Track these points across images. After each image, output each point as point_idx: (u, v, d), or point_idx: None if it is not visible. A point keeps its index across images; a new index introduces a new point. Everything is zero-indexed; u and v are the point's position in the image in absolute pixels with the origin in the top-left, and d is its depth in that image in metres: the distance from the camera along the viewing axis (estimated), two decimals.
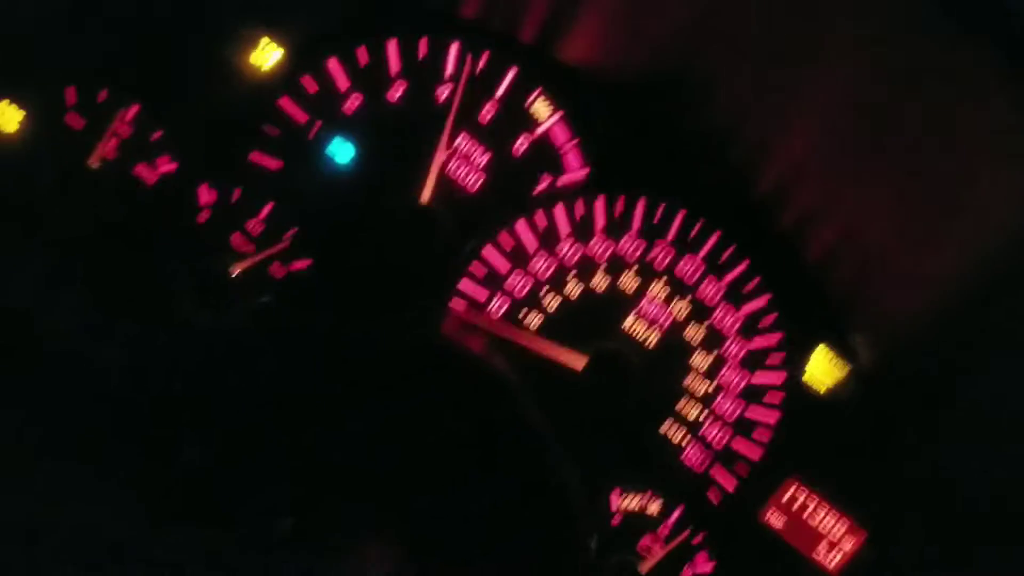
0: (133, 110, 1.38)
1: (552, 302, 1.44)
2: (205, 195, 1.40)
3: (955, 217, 1.13)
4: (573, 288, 1.44)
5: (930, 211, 1.15)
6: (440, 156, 1.40)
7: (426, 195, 1.41)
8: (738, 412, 1.46)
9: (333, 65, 1.39)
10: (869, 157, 1.17)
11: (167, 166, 1.39)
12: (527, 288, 1.44)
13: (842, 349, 1.46)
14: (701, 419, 1.46)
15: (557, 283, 1.44)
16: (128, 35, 1.36)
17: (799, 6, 1.02)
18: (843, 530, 1.48)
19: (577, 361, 1.41)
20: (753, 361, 1.45)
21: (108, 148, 1.38)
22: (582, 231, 1.43)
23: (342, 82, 1.40)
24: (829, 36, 1.02)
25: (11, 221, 1.39)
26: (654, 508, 1.48)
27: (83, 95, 1.37)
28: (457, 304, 1.44)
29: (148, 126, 1.38)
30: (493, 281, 1.44)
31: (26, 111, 1.36)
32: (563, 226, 1.43)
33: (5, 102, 1.36)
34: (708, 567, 1.47)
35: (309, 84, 1.40)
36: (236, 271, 1.39)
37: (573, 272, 1.44)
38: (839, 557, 1.49)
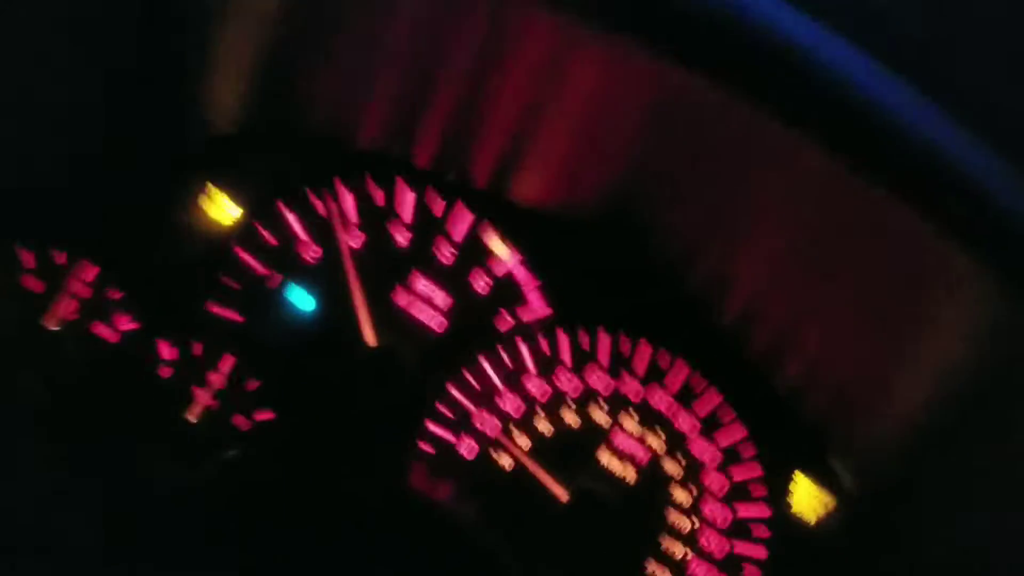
0: (92, 272, 1.38)
1: (523, 440, 1.40)
2: (166, 351, 1.38)
3: (918, 345, 1.11)
4: (544, 425, 1.40)
5: (892, 338, 1.13)
6: (360, 295, 1.39)
7: (369, 336, 1.39)
8: (726, 550, 1.40)
9: (291, 218, 1.40)
10: (827, 287, 1.16)
11: (128, 325, 1.38)
12: (497, 427, 1.41)
13: (825, 478, 1.41)
14: (687, 558, 1.40)
15: (527, 420, 1.41)
16: (83, 195, 1.38)
17: (730, 157, 1.02)
18: None
19: (562, 493, 1.37)
20: (736, 495, 1.40)
21: (68, 310, 1.37)
22: (548, 367, 1.41)
23: (301, 233, 1.40)
24: (763, 182, 1.03)
25: None
26: None
27: (40, 258, 1.37)
28: (426, 447, 1.40)
29: (107, 287, 1.38)
30: (461, 421, 1.41)
31: None
32: (528, 362, 1.41)
33: None
34: None
35: (268, 236, 1.40)
36: (195, 419, 1.36)
37: (542, 409, 1.41)
38: None
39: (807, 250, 1.14)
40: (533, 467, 1.38)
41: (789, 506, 1.40)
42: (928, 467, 1.27)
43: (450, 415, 1.40)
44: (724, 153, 1.03)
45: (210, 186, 1.39)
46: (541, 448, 1.40)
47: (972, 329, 1.01)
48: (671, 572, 1.39)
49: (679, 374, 1.41)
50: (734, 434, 1.40)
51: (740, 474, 1.40)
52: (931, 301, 1.03)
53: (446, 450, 1.40)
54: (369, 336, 1.39)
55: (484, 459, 1.40)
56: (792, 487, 1.40)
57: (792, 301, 1.28)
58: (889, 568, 1.39)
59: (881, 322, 1.13)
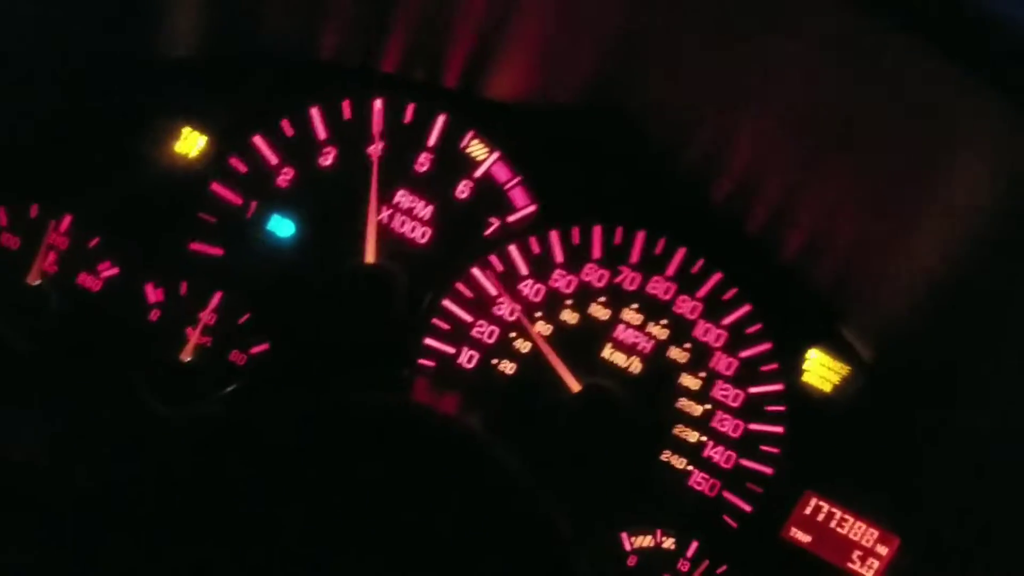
0: (66, 221, 1.35)
1: (524, 344, 1.38)
2: (152, 294, 1.36)
3: (922, 206, 1.05)
4: (543, 327, 1.38)
5: (895, 199, 1.07)
6: (374, 214, 1.35)
7: (369, 254, 1.36)
8: (741, 429, 1.38)
9: (259, 142, 1.36)
10: (824, 155, 1.10)
11: (109, 271, 1.36)
12: (496, 334, 1.38)
13: (838, 349, 1.38)
14: (703, 441, 1.38)
15: (525, 325, 1.38)
16: (48, 146, 1.35)
17: (722, 27, 0.96)
18: (875, 536, 1.39)
19: (574, 384, 1.35)
20: (746, 374, 1.37)
21: (47, 262, 1.35)
22: (541, 268, 1.37)
23: (271, 157, 1.36)
24: (760, 53, 0.96)
25: None
26: (670, 542, 1.40)
27: (13, 213, 1.35)
28: (425, 361, 1.38)
29: (84, 234, 1.36)
30: (459, 333, 1.38)
31: None
32: (521, 266, 1.37)
33: None
34: None
35: (238, 165, 1.36)
36: (194, 363, 1.35)
37: (539, 311, 1.38)
38: (876, 564, 1.39)
39: (805, 120, 1.08)
40: (547, 358, 1.36)
41: (802, 378, 1.37)
42: (944, 329, 1.23)
43: (447, 327, 1.38)
44: (714, 22, 0.96)
45: (175, 120, 1.35)
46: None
47: (978, 179, 0.95)
48: (687, 458, 1.38)
49: (676, 258, 1.36)
50: (738, 312, 1.36)
51: (748, 351, 1.36)
52: (935, 155, 0.97)
53: (446, 362, 1.39)
54: (370, 254, 1.36)
55: (485, 367, 1.38)
56: (804, 359, 1.37)
57: (790, 173, 1.22)
58: (912, 433, 1.37)
59: (883, 184, 1.07)
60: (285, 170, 1.36)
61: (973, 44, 0.78)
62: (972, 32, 0.78)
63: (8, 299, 1.34)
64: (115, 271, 1.36)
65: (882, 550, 1.39)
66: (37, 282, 1.34)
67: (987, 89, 0.81)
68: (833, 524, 1.39)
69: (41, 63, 1.25)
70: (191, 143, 1.35)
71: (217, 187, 1.36)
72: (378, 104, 1.35)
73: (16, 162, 1.35)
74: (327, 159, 1.36)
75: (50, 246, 1.35)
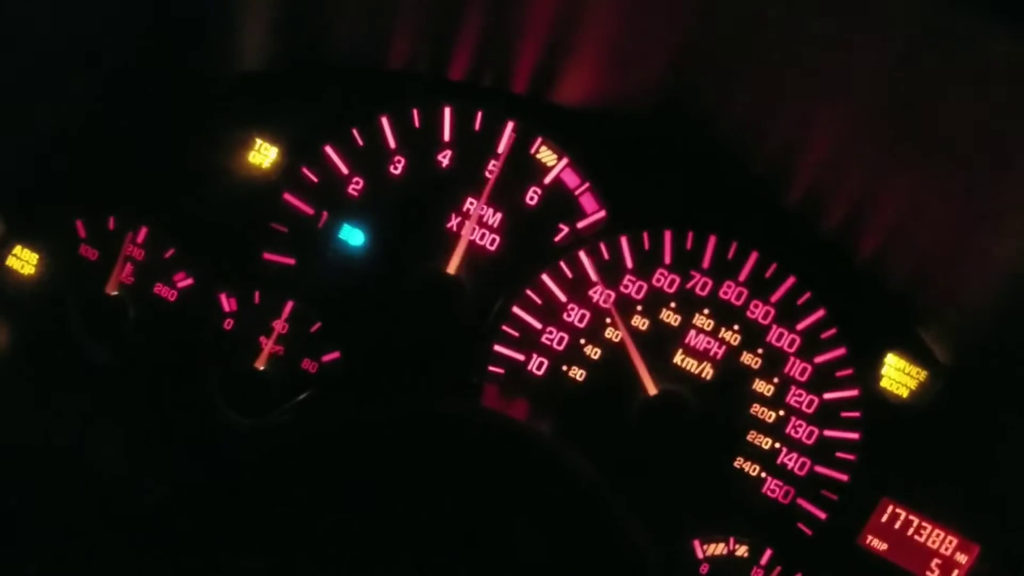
0: (142, 232, 1.37)
1: (594, 351, 1.37)
2: (226, 304, 1.38)
3: (1004, 204, 1.02)
4: (613, 333, 1.37)
5: (975, 200, 1.04)
6: (466, 228, 1.36)
7: (453, 266, 1.36)
8: (815, 435, 1.36)
9: (330, 151, 1.37)
10: (904, 152, 1.07)
11: (185, 281, 1.38)
12: (565, 341, 1.37)
13: (916, 352, 1.35)
14: (776, 447, 1.36)
15: (596, 331, 1.37)
16: (125, 159, 1.37)
17: (790, 29, 0.94)
18: (954, 544, 1.36)
19: (651, 386, 1.34)
20: (820, 380, 1.35)
21: (124, 273, 1.38)
22: (611, 274, 1.36)
23: (342, 167, 1.37)
24: (845, 44, 0.94)
25: (48, 361, 1.40)
26: (743, 550, 1.38)
27: (92, 226, 1.38)
28: (495, 368, 1.38)
29: (159, 245, 1.38)
30: (529, 340, 1.38)
31: (40, 252, 1.38)
32: (590, 272, 1.36)
33: (18, 247, 1.38)
34: None
35: (310, 175, 1.37)
36: (267, 372, 1.37)
37: (610, 317, 1.37)
38: (956, 573, 1.36)
39: (883, 117, 1.06)
40: (631, 357, 1.35)
41: (878, 383, 1.35)
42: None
43: (517, 334, 1.38)
44: (782, 25, 0.94)
45: (248, 131, 1.36)
46: (613, 357, 1.36)
47: None
48: (761, 465, 1.36)
49: (748, 262, 1.35)
50: (812, 316, 1.34)
51: (822, 357, 1.34)
52: (1018, 151, 0.94)
53: (516, 369, 1.38)
54: (452, 264, 1.36)
55: (555, 374, 1.38)
56: (881, 364, 1.34)
57: (865, 173, 1.20)
58: (991, 438, 1.34)
59: (964, 182, 1.04)
60: (355, 180, 1.37)
61: None
62: None
63: (87, 309, 1.37)
64: (190, 281, 1.38)
65: (961, 558, 1.36)
66: (115, 293, 1.37)
67: None
68: (911, 532, 1.36)
69: (119, 80, 1.27)
70: (264, 154, 1.37)
71: (289, 197, 1.37)
72: (447, 112, 1.36)
73: (94, 176, 1.37)
74: (397, 168, 1.37)
75: (127, 257, 1.37)
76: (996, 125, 0.93)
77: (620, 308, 1.36)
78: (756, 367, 1.36)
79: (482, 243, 1.37)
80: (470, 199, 1.37)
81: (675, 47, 1.15)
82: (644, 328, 1.36)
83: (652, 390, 1.34)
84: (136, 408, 1.39)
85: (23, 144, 1.27)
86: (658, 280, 1.36)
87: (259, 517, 1.07)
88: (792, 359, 1.35)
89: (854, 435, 1.35)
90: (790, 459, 1.36)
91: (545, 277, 1.37)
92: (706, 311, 1.35)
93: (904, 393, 1.35)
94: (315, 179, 1.37)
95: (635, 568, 1.06)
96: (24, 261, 1.38)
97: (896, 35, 0.88)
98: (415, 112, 1.36)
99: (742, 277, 1.35)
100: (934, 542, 1.36)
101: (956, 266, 1.22)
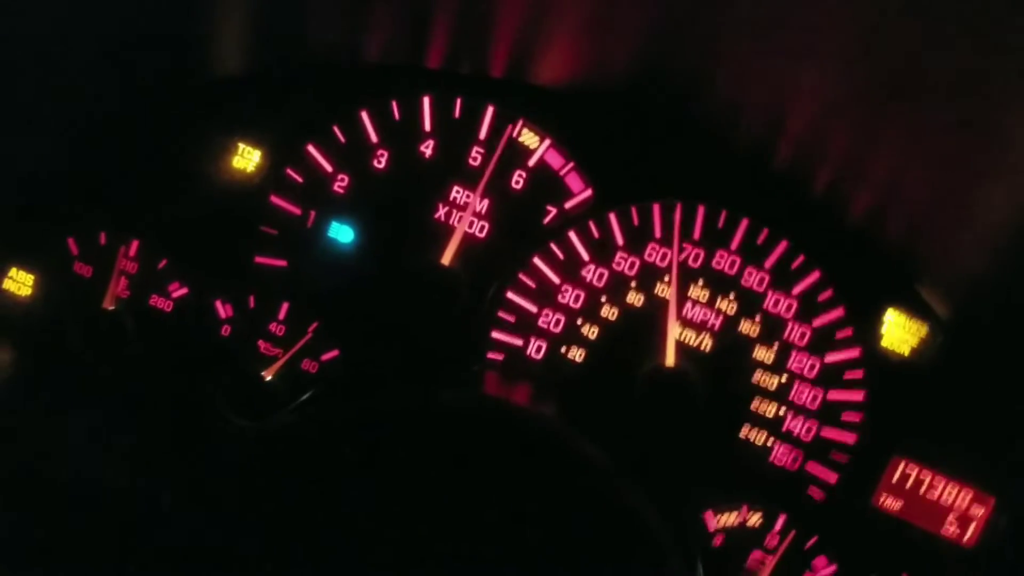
0: (134, 245, 1.38)
1: (592, 330, 1.37)
2: (222, 310, 1.39)
3: (993, 156, 1.01)
4: (610, 311, 1.36)
5: (966, 153, 1.03)
6: (461, 220, 1.36)
7: (447, 258, 1.36)
8: (820, 398, 1.35)
9: (313, 150, 1.37)
10: (894, 106, 1.06)
11: (179, 291, 1.39)
12: (562, 323, 1.37)
13: (915, 307, 1.33)
14: (781, 414, 1.35)
15: (592, 310, 1.37)
16: (110, 173, 1.38)
17: None
18: (969, 498, 1.35)
19: (671, 357, 1.34)
20: (821, 342, 1.34)
21: (119, 288, 1.39)
22: (603, 251, 1.36)
23: (326, 165, 1.37)
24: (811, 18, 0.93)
25: (52, 379, 1.41)
26: (755, 518, 1.38)
27: (84, 243, 1.38)
28: (494, 355, 1.38)
29: (152, 257, 1.39)
30: (525, 324, 1.38)
31: (35, 273, 1.39)
32: (582, 251, 1.36)
33: (14, 269, 1.39)
34: (831, 569, 1.36)
35: (295, 175, 1.37)
36: (268, 376, 1.37)
37: (605, 295, 1.36)
38: (972, 528, 1.35)
39: (868, 70, 1.04)
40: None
41: (879, 342, 1.34)
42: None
43: (513, 319, 1.38)
44: None
45: (230, 137, 1.36)
46: (612, 335, 1.36)
47: None
48: (768, 432, 1.36)
49: (739, 230, 1.34)
50: (807, 279, 1.33)
51: (821, 319, 1.33)
52: (1009, 97, 0.93)
53: (515, 355, 1.38)
54: (447, 255, 1.36)
55: (554, 356, 1.38)
56: (879, 321, 1.33)
57: (850, 132, 1.18)
58: (997, 388, 1.32)
59: (955, 133, 1.03)
60: (340, 177, 1.37)
61: None
62: None
63: (87, 326, 1.38)
64: (185, 291, 1.39)
65: (977, 511, 1.35)
66: (112, 308, 1.38)
67: None
68: (924, 489, 1.35)
69: (97, 94, 1.27)
70: (247, 158, 1.37)
71: (276, 199, 1.37)
72: (426, 101, 1.35)
73: (81, 192, 1.38)
74: (380, 161, 1.36)
75: (121, 271, 1.38)
76: (982, 70, 0.92)
77: (603, 294, 1.36)
78: (755, 335, 1.35)
79: (471, 231, 1.37)
80: (456, 187, 1.36)
81: (652, 18, 1.14)
82: (640, 304, 1.36)
83: (671, 360, 1.33)
84: (141, 419, 1.40)
85: (4, 161, 1.27)
86: (650, 255, 1.35)
87: (265, 518, 1.07)
88: (791, 324, 1.34)
89: (858, 395, 1.34)
90: (796, 424, 1.36)
91: (537, 260, 1.37)
92: (700, 282, 1.35)
93: (906, 351, 1.34)
94: (300, 179, 1.37)
95: (649, 545, 1.06)
96: (20, 283, 1.39)
97: None
98: (394, 104, 1.35)
99: (734, 245, 1.34)
100: (948, 497, 1.35)
101: (950, 220, 1.20)
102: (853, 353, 1.34)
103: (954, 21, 0.85)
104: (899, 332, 1.34)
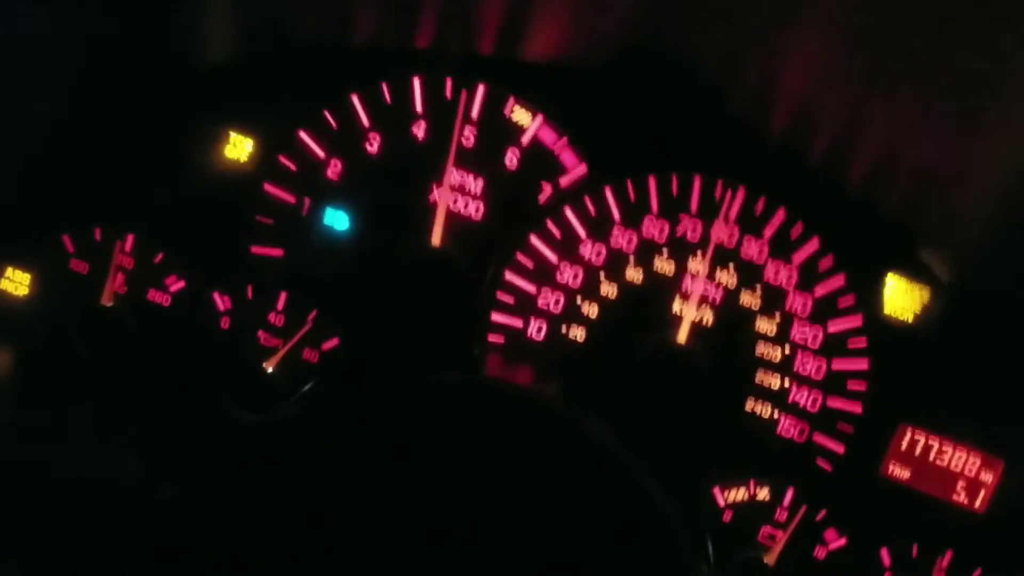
0: (129, 240, 1.38)
1: (592, 309, 1.36)
2: (220, 302, 1.38)
3: (997, 114, 1.00)
4: (609, 288, 1.35)
5: (969, 112, 1.01)
6: (442, 196, 1.35)
7: (436, 237, 1.35)
8: (824, 369, 1.34)
9: (305, 136, 1.36)
10: (890, 68, 1.04)
11: (177, 284, 1.38)
12: (562, 302, 1.36)
13: (916, 272, 1.32)
14: (786, 386, 1.34)
15: (591, 288, 1.36)
16: (102, 167, 1.37)
17: None
18: (978, 464, 1.34)
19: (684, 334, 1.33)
20: (823, 311, 1.33)
21: (117, 283, 1.38)
22: (600, 228, 1.35)
23: (318, 151, 1.36)
24: None
25: (54, 378, 1.41)
26: (764, 493, 1.37)
27: (78, 239, 1.38)
28: (495, 337, 1.37)
29: (148, 251, 1.38)
30: (525, 305, 1.37)
31: (32, 272, 1.39)
32: (579, 228, 1.35)
33: (10, 269, 1.38)
34: (842, 541, 1.35)
35: (288, 163, 1.37)
36: (270, 367, 1.36)
37: (604, 272, 1.35)
38: (982, 493, 1.34)
39: (863, 29, 1.03)
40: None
41: (882, 310, 1.33)
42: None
43: (512, 300, 1.37)
44: None
45: (221, 126, 1.36)
46: (612, 312, 1.36)
47: None
48: (772, 404, 1.35)
49: (736, 200, 1.33)
50: (807, 247, 1.32)
51: (822, 287, 1.32)
52: (1009, 56, 0.91)
53: (516, 336, 1.37)
54: (435, 235, 1.35)
55: (555, 336, 1.37)
56: (880, 287, 1.32)
57: (845, 98, 1.17)
58: (1002, 353, 1.31)
59: (954, 94, 1.01)
60: (334, 162, 1.36)
61: None
62: None
63: (85, 323, 1.37)
64: (182, 284, 1.38)
65: (987, 477, 1.34)
66: (110, 304, 1.37)
67: None
68: (932, 456, 1.34)
69: (85, 85, 1.27)
70: (239, 147, 1.36)
71: (270, 187, 1.37)
72: (416, 83, 1.34)
73: (73, 187, 1.38)
74: (373, 145, 1.36)
75: (118, 267, 1.37)
76: (979, 27, 0.91)
77: (602, 271, 1.35)
78: (756, 307, 1.34)
79: (467, 212, 1.36)
80: (450, 168, 1.35)
81: None
82: (639, 280, 1.35)
83: (683, 338, 1.33)
84: (144, 414, 1.39)
85: None
86: (648, 229, 1.35)
87: (272, 510, 1.07)
88: (792, 293, 1.33)
89: (863, 364, 1.33)
90: (801, 395, 1.35)
91: (534, 239, 1.36)
92: (699, 255, 1.34)
93: (909, 317, 1.33)
94: (293, 166, 1.37)
95: (658, 524, 1.05)
96: (17, 283, 1.38)
97: None
98: (385, 87, 1.35)
99: (732, 216, 1.33)
100: (957, 463, 1.34)
101: (950, 183, 1.19)
102: (855, 321, 1.33)
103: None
104: (901, 298, 1.33)
